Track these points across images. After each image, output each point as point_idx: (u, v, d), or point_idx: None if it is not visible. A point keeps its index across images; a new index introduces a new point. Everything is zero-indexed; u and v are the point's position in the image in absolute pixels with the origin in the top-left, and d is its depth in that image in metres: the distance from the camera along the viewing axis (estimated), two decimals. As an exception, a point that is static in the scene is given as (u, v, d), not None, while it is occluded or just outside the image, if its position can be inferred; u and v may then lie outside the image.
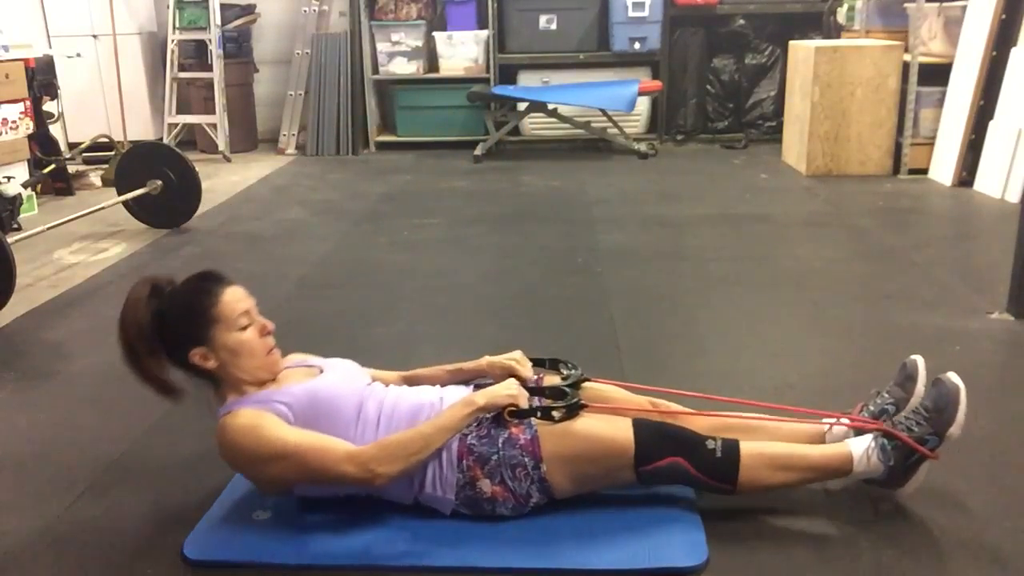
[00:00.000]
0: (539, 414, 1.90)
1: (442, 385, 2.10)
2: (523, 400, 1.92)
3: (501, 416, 1.90)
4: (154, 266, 3.92)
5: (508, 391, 1.91)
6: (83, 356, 3.01)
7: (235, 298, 1.92)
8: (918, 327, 3.04)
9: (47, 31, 6.57)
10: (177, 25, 6.55)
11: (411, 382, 2.15)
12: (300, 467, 1.82)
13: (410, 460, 1.83)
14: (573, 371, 2.10)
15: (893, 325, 3.08)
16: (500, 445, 1.88)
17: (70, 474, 2.21)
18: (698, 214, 4.71)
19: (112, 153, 5.46)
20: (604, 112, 6.37)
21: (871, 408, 2.04)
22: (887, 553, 1.80)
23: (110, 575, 1.82)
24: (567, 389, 1.99)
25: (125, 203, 4.52)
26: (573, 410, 1.92)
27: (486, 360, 2.10)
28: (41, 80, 5.30)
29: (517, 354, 2.10)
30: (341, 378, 2.01)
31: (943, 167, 5.23)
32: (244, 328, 1.92)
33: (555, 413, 1.90)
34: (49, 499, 2.09)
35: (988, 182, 4.91)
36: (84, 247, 4.33)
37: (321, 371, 2.05)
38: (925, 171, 5.35)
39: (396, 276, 3.79)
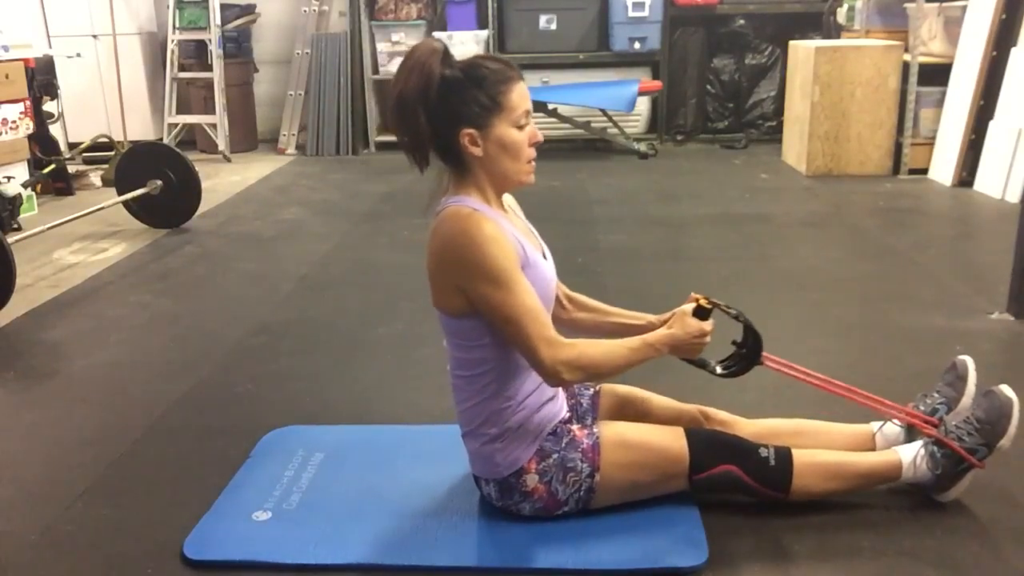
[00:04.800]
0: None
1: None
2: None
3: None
4: (154, 266, 3.92)
5: (702, 338, 1.84)
6: (83, 356, 3.01)
7: (523, 95, 1.79)
8: (918, 327, 3.04)
9: (47, 31, 6.56)
10: (177, 25, 6.55)
11: (572, 303, 2.10)
12: (505, 310, 1.72)
13: (595, 376, 1.80)
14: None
15: (893, 325, 3.08)
16: (563, 445, 1.87)
17: (70, 474, 2.21)
18: (698, 214, 4.71)
19: (112, 153, 5.47)
20: (604, 112, 6.37)
21: (921, 408, 2.04)
22: (888, 552, 1.80)
23: (110, 575, 1.82)
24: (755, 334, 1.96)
25: (125, 203, 4.51)
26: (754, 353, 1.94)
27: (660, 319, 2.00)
28: (41, 80, 5.30)
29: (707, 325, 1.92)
30: (551, 284, 1.93)
31: (943, 167, 5.23)
32: (521, 128, 1.81)
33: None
34: (49, 499, 2.09)
35: (988, 182, 4.91)
36: (84, 247, 4.33)
37: (544, 255, 1.95)
38: (925, 171, 5.36)
39: (396, 276, 3.78)
